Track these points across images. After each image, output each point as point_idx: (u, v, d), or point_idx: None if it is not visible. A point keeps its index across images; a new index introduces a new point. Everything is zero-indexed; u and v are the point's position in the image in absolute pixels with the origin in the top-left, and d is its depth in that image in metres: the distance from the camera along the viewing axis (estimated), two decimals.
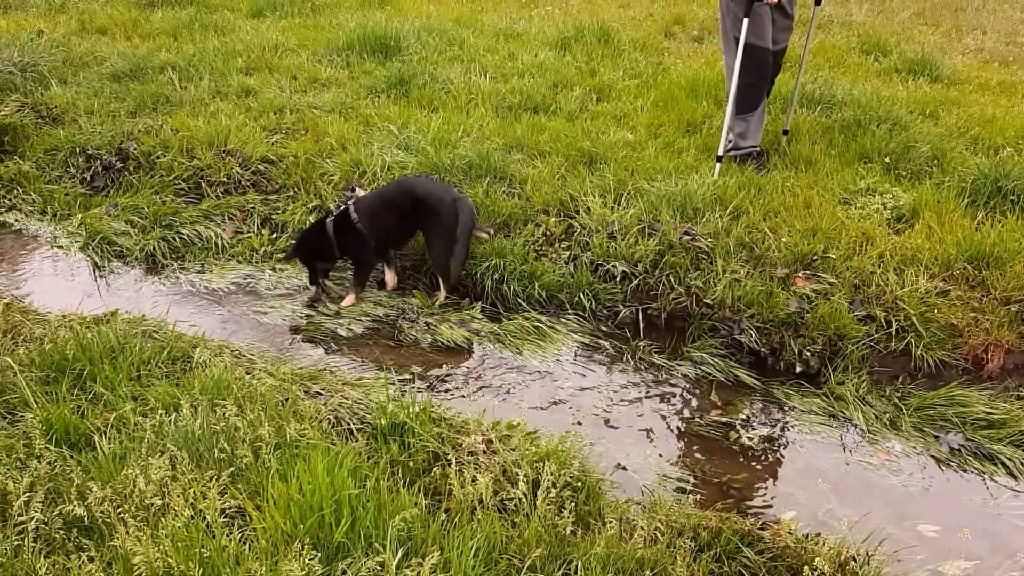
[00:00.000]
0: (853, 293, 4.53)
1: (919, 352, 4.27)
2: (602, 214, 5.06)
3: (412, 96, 6.81)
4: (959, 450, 3.87)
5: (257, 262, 5.30)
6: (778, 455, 3.91)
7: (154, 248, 5.33)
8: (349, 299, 4.93)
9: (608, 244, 4.88)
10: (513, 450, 3.30)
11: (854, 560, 3.00)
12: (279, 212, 5.60)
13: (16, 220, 5.77)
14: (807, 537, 3.18)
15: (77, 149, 6.13)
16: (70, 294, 4.95)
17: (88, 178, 5.99)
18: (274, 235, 5.48)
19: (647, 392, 4.27)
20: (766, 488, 3.70)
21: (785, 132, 5.99)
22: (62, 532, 2.82)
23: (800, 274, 4.65)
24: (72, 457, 3.18)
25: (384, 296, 4.98)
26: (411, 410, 3.50)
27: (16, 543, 2.76)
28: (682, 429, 4.03)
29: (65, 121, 6.49)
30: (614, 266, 4.80)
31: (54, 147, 6.21)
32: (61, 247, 5.47)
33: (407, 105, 6.66)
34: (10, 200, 5.91)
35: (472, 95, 6.73)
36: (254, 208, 5.64)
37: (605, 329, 4.71)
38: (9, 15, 8.54)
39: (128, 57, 7.38)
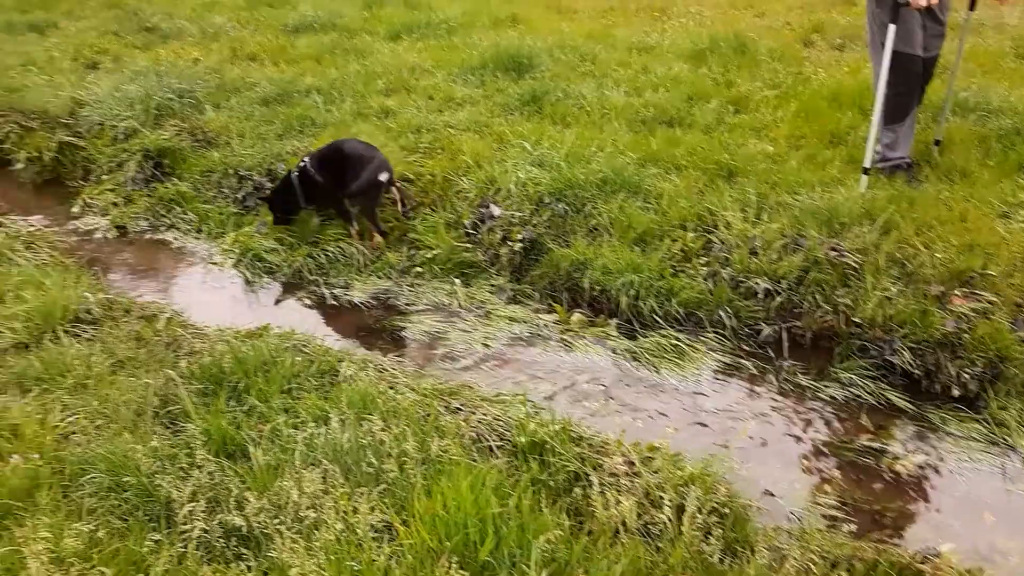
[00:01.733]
0: (1016, 312, 4.25)
1: None
2: (742, 229, 4.94)
3: (545, 112, 6.84)
4: None
5: (395, 278, 5.43)
6: (934, 483, 3.70)
7: (301, 265, 5.54)
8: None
9: (749, 260, 4.76)
10: (656, 472, 3.25)
11: None
12: (415, 230, 5.71)
13: (175, 238, 6.13)
14: (969, 572, 3.00)
15: (230, 170, 6.45)
16: (225, 308, 5.20)
17: (240, 198, 6.30)
18: (411, 252, 5.61)
19: (792, 414, 4.13)
20: (922, 518, 3.52)
21: (937, 142, 5.69)
22: (222, 541, 2.95)
23: (957, 292, 4.40)
24: (229, 467, 3.33)
25: (519, 311, 5.02)
26: (551, 428, 3.50)
27: (181, 550, 2.91)
28: (830, 454, 3.87)
29: (219, 143, 6.85)
30: (756, 283, 4.67)
31: (209, 168, 6.57)
32: (216, 263, 5.77)
33: (540, 121, 6.69)
34: (169, 219, 6.28)
35: (605, 110, 6.71)
36: (392, 226, 5.79)
37: (746, 348, 4.59)
38: (168, 44, 9.10)
39: (276, 82, 7.72)
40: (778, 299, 4.63)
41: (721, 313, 4.66)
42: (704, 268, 4.87)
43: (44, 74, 8.24)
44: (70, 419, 3.78)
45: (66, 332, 4.52)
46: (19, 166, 7.20)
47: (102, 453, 3.39)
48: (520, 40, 8.25)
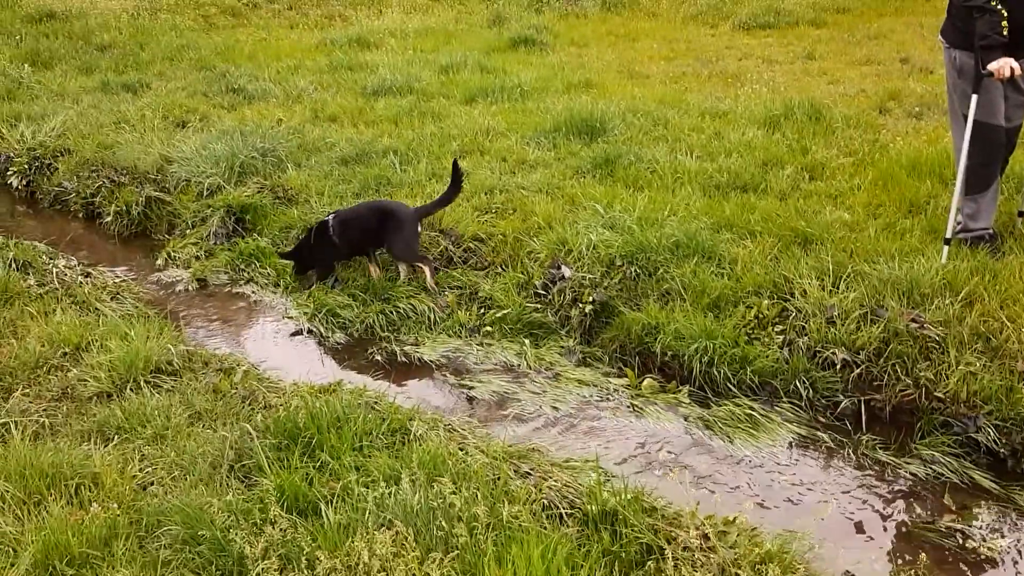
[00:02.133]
0: None
1: None
2: (819, 297, 4.86)
3: (617, 176, 6.88)
4: None
5: (465, 336, 5.46)
6: (1021, 568, 3.53)
7: (373, 321, 5.62)
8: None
9: (827, 329, 4.67)
10: (732, 548, 3.17)
11: None
12: (485, 288, 5.75)
13: (252, 292, 6.28)
14: None
15: (307, 227, 6.61)
16: (298, 363, 5.29)
17: None
18: (481, 311, 5.64)
19: (871, 491, 4.00)
20: None
21: (1020, 214, 5.55)
22: None
23: None
24: (302, 525, 3.35)
25: (588, 374, 5.00)
26: (623, 498, 3.45)
27: None
28: (912, 534, 3.73)
29: (298, 201, 7.04)
30: (833, 353, 4.58)
31: (288, 225, 6.75)
32: (291, 318, 5.88)
33: (612, 184, 6.73)
34: (248, 273, 6.44)
35: (678, 174, 6.72)
36: (463, 284, 5.85)
37: (823, 420, 4.48)
38: (253, 105, 9.45)
39: (354, 142, 7.93)
40: (856, 371, 4.53)
41: (797, 383, 4.57)
42: (779, 336, 4.79)
43: (136, 132, 8.61)
44: (148, 469, 3.87)
45: (147, 382, 4.64)
46: (108, 219, 7.50)
47: (178, 505, 3.45)
48: (593, 104, 8.34)
